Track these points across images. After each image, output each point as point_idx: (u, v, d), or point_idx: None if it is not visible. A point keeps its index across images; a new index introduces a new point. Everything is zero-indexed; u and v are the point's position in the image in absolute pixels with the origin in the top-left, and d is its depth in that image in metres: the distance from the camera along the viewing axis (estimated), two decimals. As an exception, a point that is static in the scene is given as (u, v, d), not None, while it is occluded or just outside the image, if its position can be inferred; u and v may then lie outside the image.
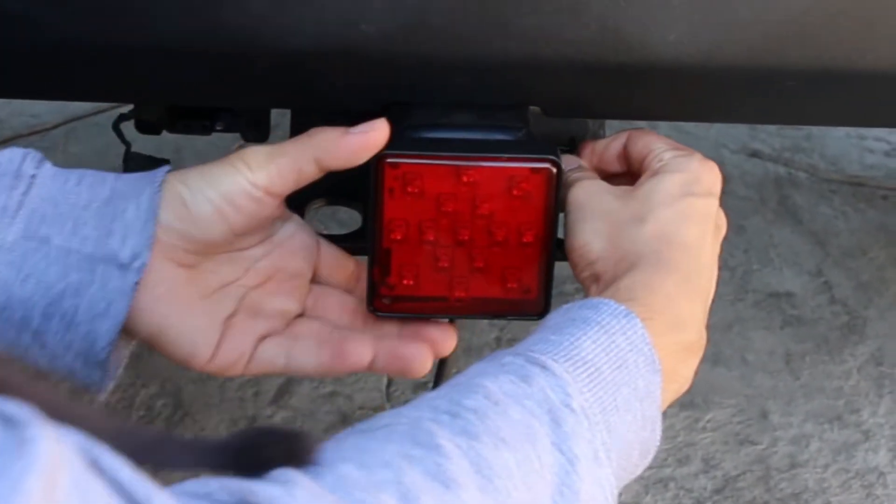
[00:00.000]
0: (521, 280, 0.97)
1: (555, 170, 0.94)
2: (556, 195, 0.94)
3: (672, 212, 0.93)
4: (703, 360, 0.93)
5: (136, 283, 0.89)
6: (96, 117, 2.44)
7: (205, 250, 0.95)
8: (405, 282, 0.97)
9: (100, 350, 0.90)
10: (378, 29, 0.93)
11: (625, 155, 1.01)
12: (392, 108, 1.00)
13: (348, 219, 1.12)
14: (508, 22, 0.93)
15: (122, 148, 2.29)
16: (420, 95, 0.99)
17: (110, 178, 0.94)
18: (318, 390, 1.85)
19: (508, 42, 0.94)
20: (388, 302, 0.98)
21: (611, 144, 1.02)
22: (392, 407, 1.84)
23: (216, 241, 0.94)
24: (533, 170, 0.94)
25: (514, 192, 0.94)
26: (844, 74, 0.97)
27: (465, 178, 0.94)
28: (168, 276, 0.93)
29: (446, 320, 1.00)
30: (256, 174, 0.93)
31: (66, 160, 2.35)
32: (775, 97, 1.00)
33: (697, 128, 2.39)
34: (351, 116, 1.15)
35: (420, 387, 1.88)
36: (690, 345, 0.91)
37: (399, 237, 0.96)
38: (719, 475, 1.75)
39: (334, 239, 1.04)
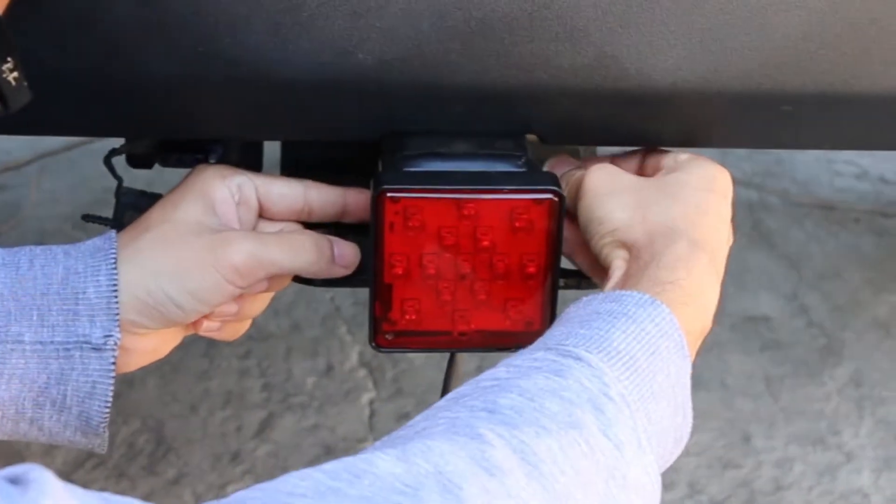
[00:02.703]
0: (524, 312, 0.97)
1: (557, 200, 0.93)
2: (558, 225, 0.94)
3: (700, 201, 0.94)
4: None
5: (114, 361, 0.92)
6: (69, 153, 2.42)
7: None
8: (407, 317, 0.97)
9: (96, 425, 0.93)
10: (375, 58, 0.93)
11: (641, 171, 1.01)
12: (388, 137, 0.99)
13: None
14: (506, 50, 0.93)
15: (98, 182, 2.28)
16: (416, 124, 0.99)
17: (60, 254, 0.94)
18: (300, 423, 1.84)
19: (506, 70, 0.94)
20: (390, 337, 0.97)
21: (625, 160, 1.03)
22: (375, 438, 1.83)
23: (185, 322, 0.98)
24: (535, 201, 0.93)
25: (517, 224, 0.94)
26: (841, 98, 0.98)
27: (466, 212, 0.93)
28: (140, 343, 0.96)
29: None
30: (236, 276, 0.95)
31: (40, 197, 2.33)
32: (772, 122, 1.00)
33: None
34: (345, 147, 1.15)
35: (403, 417, 1.87)
36: (705, 329, 0.91)
37: (400, 272, 0.95)
38: (705, 500, 1.75)
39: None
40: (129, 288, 0.92)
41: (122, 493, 1.69)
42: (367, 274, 0.98)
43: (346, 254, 0.99)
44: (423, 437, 0.74)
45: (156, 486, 1.72)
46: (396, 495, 0.67)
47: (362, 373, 1.95)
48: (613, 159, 1.04)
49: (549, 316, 0.97)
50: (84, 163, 2.41)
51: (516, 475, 0.72)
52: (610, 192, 0.95)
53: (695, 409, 1.83)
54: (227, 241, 0.94)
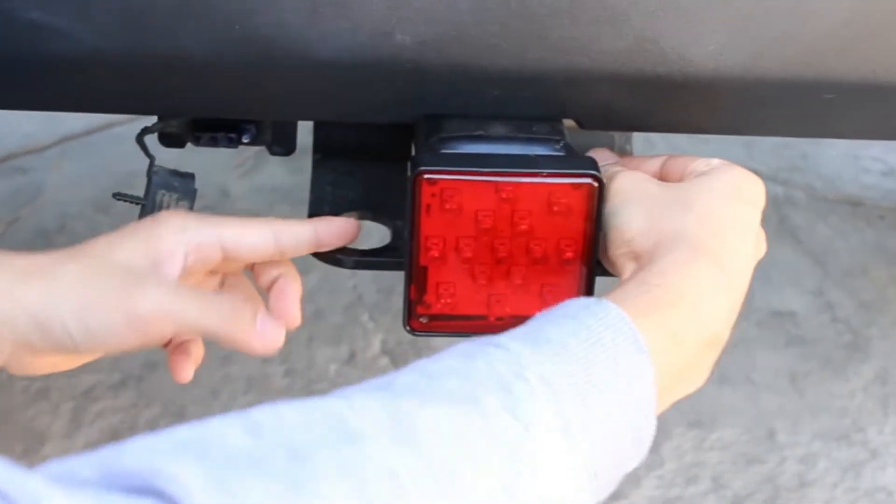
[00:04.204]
0: (560, 297, 0.95)
1: (596, 185, 0.92)
2: (597, 211, 0.93)
3: (720, 208, 0.92)
4: (709, 380, 0.91)
5: None
6: (90, 136, 2.42)
7: None
8: (443, 300, 0.95)
9: None
10: (414, 39, 0.92)
11: (661, 175, 0.99)
12: (423, 119, 0.98)
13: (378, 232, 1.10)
14: (546, 33, 0.92)
15: (119, 166, 2.27)
16: (453, 107, 0.97)
17: None
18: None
19: (546, 53, 0.93)
20: (425, 321, 0.96)
21: (646, 162, 1.00)
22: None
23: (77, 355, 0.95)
24: (574, 185, 0.92)
25: (555, 209, 0.92)
26: (884, 87, 0.96)
27: (504, 195, 0.92)
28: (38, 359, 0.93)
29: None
30: (139, 325, 0.89)
31: (60, 179, 2.32)
32: (813, 110, 0.99)
33: (693, 146, 2.38)
34: (377, 129, 1.14)
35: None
36: (712, 338, 0.88)
37: (436, 255, 0.94)
38: (728, 495, 1.74)
39: (364, 254, 1.03)
40: (29, 307, 0.88)
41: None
42: (403, 256, 0.97)
43: (268, 331, 0.92)
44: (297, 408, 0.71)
45: (177, 470, 1.71)
46: (243, 466, 0.64)
47: (385, 360, 1.94)
48: (632, 161, 1.02)
49: (586, 302, 0.96)
50: (105, 146, 2.40)
51: (382, 441, 0.69)
52: (631, 200, 0.93)
53: (720, 404, 1.83)
54: (139, 287, 0.89)
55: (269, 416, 0.68)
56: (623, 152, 1.11)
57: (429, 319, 0.96)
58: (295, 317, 0.99)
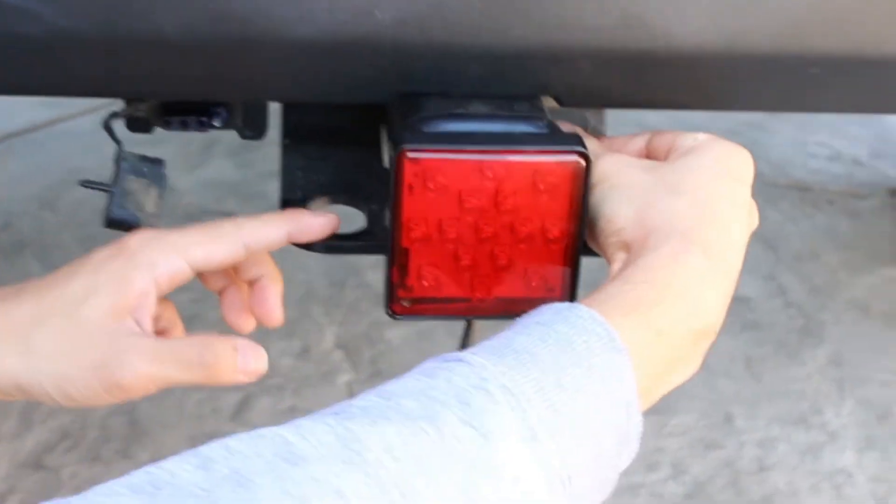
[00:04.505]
0: (546, 278, 0.94)
1: (584, 163, 0.90)
2: (584, 189, 0.91)
3: (708, 188, 0.90)
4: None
5: None
6: (34, 134, 2.37)
7: None
8: (425, 283, 0.93)
9: None
10: (393, 17, 0.90)
11: (647, 153, 0.98)
12: (400, 99, 0.96)
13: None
14: (528, 8, 0.90)
15: (63, 163, 2.23)
16: (432, 86, 0.95)
17: None
18: (277, 405, 1.80)
19: (528, 29, 0.91)
20: (407, 304, 0.94)
21: (631, 141, 0.99)
22: (354, 420, 1.80)
23: None
24: (560, 163, 0.90)
25: (541, 187, 0.91)
26: (870, 62, 0.95)
27: (489, 173, 0.90)
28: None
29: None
30: (119, 392, 0.91)
31: (4, 177, 2.28)
32: (798, 85, 0.98)
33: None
34: (348, 112, 1.11)
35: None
36: (704, 329, 0.87)
37: (419, 236, 0.92)
38: (689, 480, 1.73)
39: (340, 239, 1.00)
40: (9, 371, 0.90)
41: (96, 477, 1.65)
42: (382, 238, 0.95)
43: (251, 363, 0.92)
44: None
45: (130, 469, 1.66)
46: (191, 499, 0.66)
47: (339, 354, 1.92)
48: (616, 140, 1.00)
49: (571, 283, 0.94)
50: (49, 144, 2.36)
51: (328, 463, 0.69)
52: (618, 185, 0.92)
53: (677, 390, 1.81)
54: (118, 359, 0.90)
55: (217, 450, 0.70)
56: (597, 133, 1.10)
57: (411, 303, 0.94)
58: (278, 318, 1.00)
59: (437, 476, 0.71)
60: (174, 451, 1.70)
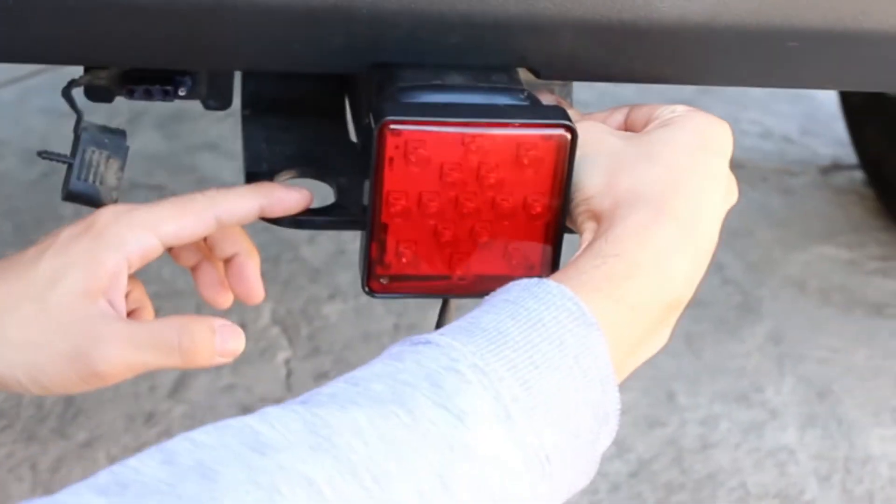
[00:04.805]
0: (527, 255, 0.92)
1: (569, 136, 0.88)
2: (569, 164, 0.88)
3: (684, 160, 0.88)
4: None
5: None
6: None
7: None
8: (404, 260, 0.91)
9: None
10: (371, -16, 0.87)
11: (625, 127, 0.96)
12: (375, 70, 0.93)
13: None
14: (510, -22, 0.88)
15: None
16: (407, 56, 0.93)
17: None
18: (215, 383, 1.77)
19: (507, -1, 0.89)
20: (385, 282, 0.92)
21: (610, 116, 0.97)
22: (294, 397, 1.77)
23: None
24: (545, 136, 0.88)
25: (525, 161, 0.88)
26: (849, 36, 0.94)
27: (472, 146, 0.87)
28: None
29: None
30: (95, 380, 0.89)
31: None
32: (777, 59, 0.96)
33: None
34: (310, 82, 1.08)
35: (321, 376, 1.81)
36: (675, 302, 0.87)
37: (398, 211, 0.89)
38: (633, 458, 1.72)
39: (310, 213, 0.97)
40: None
41: (32, 457, 1.61)
42: (354, 213, 0.93)
43: (229, 344, 0.90)
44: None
45: (67, 449, 1.64)
46: (156, 495, 0.65)
47: (276, 331, 1.89)
48: (595, 116, 0.98)
49: (553, 261, 0.92)
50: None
51: (296, 450, 0.68)
52: (591, 154, 0.90)
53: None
54: (92, 348, 0.87)
55: (182, 443, 0.69)
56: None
57: (389, 280, 0.91)
58: (258, 294, 0.98)
59: (410, 459, 0.70)
60: (111, 430, 1.67)
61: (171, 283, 1.90)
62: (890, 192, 2.21)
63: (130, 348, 0.87)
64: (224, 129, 2.31)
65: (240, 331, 0.90)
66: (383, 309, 1.93)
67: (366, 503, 0.68)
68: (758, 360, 1.91)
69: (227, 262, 0.98)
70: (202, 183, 2.17)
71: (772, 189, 2.33)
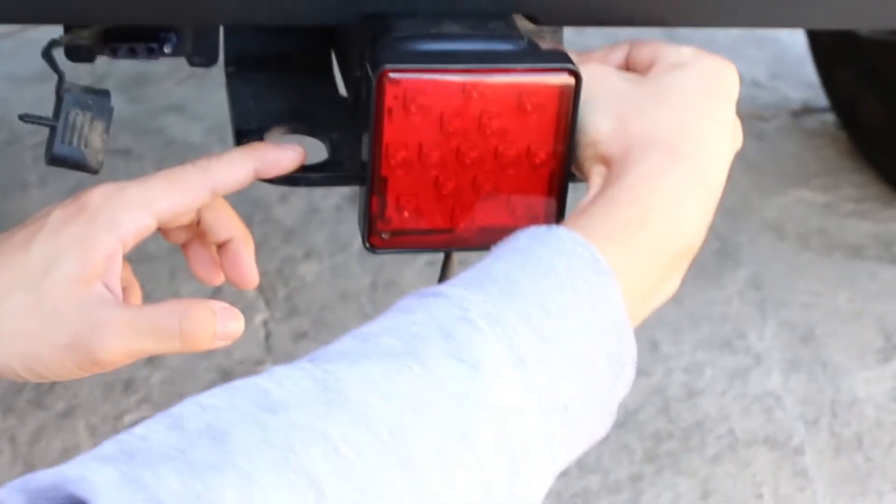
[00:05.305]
0: (531, 206, 0.89)
1: (573, 80, 0.86)
2: (573, 109, 0.86)
3: (692, 104, 0.87)
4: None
5: None
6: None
7: None
8: (405, 213, 0.88)
9: None
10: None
11: (626, 66, 0.94)
12: (366, 21, 0.90)
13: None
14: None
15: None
16: (399, 5, 0.90)
17: None
18: (193, 347, 1.73)
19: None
20: (386, 237, 0.89)
21: (610, 55, 0.94)
22: (274, 360, 1.75)
23: None
24: (549, 80, 0.86)
25: (528, 107, 0.86)
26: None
27: (473, 93, 0.85)
28: None
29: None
30: (94, 368, 0.87)
31: None
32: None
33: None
34: (294, 37, 1.05)
35: (300, 337, 1.79)
36: (687, 248, 0.85)
37: (398, 163, 0.86)
38: (620, 409, 1.70)
39: (305, 170, 0.94)
40: None
41: (10, 429, 1.58)
42: (349, 168, 0.90)
43: (230, 327, 0.88)
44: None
45: (46, 420, 1.61)
46: (166, 461, 0.63)
47: (252, 293, 1.86)
48: (594, 55, 0.96)
49: (558, 211, 0.90)
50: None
51: (309, 407, 0.66)
52: (598, 95, 0.88)
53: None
54: (94, 336, 0.85)
55: (189, 408, 0.67)
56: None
57: (390, 235, 0.89)
58: (252, 280, 0.96)
59: (426, 411, 0.69)
60: (90, 399, 1.64)
61: (141, 247, 1.86)
62: (862, 133, 2.20)
63: (131, 336, 0.84)
64: (189, 90, 2.28)
65: (238, 313, 0.88)
66: (360, 267, 1.91)
67: (384, 457, 0.66)
68: (739, 306, 1.90)
69: (221, 246, 0.96)
70: (169, 146, 2.14)
71: (744, 134, 2.31)
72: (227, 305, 0.87)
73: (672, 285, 0.87)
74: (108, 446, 0.65)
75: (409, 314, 0.74)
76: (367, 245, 0.89)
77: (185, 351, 0.86)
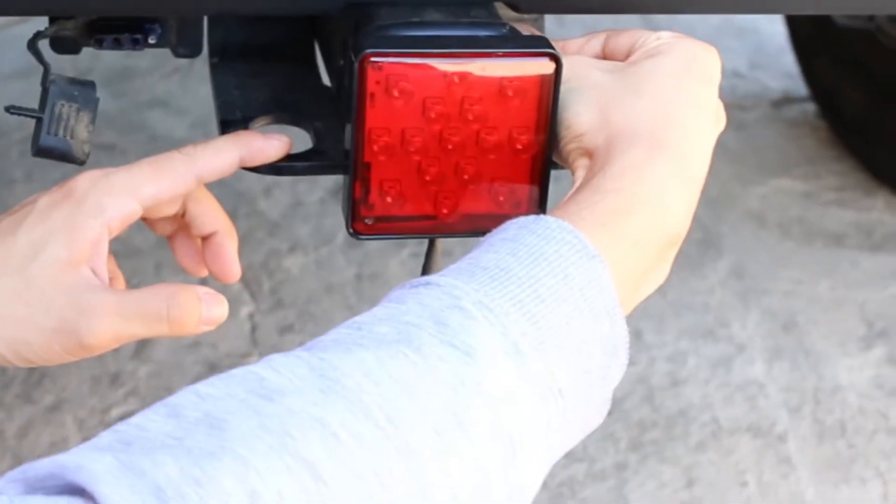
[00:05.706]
0: (513, 192, 0.90)
1: (554, 65, 0.86)
2: (554, 94, 0.87)
3: (672, 91, 0.87)
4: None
5: None
6: None
7: None
8: (388, 199, 0.89)
9: None
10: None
11: (604, 55, 0.94)
12: (349, 10, 0.91)
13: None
14: None
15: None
16: (382, -7, 0.91)
17: None
18: (180, 341, 1.74)
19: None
20: (370, 223, 0.90)
21: (587, 44, 0.95)
22: (260, 352, 1.75)
23: None
24: (530, 66, 0.86)
25: (509, 93, 0.86)
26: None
27: (455, 79, 0.86)
28: None
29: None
30: (82, 352, 0.87)
31: None
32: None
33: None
34: (278, 27, 1.06)
35: (286, 329, 1.79)
36: (673, 237, 0.85)
37: (381, 149, 0.87)
38: (604, 399, 1.72)
39: (290, 159, 0.95)
40: None
41: (-2, 423, 1.59)
42: (333, 157, 0.91)
43: (215, 312, 0.89)
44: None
45: (34, 414, 1.61)
46: (163, 449, 0.63)
47: (237, 286, 1.86)
48: (571, 43, 0.96)
49: (540, 197, 0.91)
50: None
51: (306, 394, 0.67)
52: (578, 87, 0.88)
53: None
54: (83, 320, 0.86)
55: (186, 397, 0.67)
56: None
57: (374, 221, 0.90)
58: (235, 273, 0.97)
59: (422, 397, 0.69)
60: (77, 393, 1.64)
61: (127, 241, 1.87)
62: (842, 122, 2.21)
63: (119, 319, 0.85)
64: (172, 85, 2.28)
65: (223, 298, 0.89)
66: (344, 259, 1.91)
67: (381, 443, 0.66)
68: (721, 296, 1.91)
69: (206, 239, 0.97)
70: (153, 141, 2.14)
71: (727, 125, 2.32)
72: (211, 291, 0.88)
73: (660, 274, 0.87)
74: (105, 436, 0.65)
75: (401, 304, 0.74)
76: (351, 231, 0.90)
77: (172, 335, 0.87)
